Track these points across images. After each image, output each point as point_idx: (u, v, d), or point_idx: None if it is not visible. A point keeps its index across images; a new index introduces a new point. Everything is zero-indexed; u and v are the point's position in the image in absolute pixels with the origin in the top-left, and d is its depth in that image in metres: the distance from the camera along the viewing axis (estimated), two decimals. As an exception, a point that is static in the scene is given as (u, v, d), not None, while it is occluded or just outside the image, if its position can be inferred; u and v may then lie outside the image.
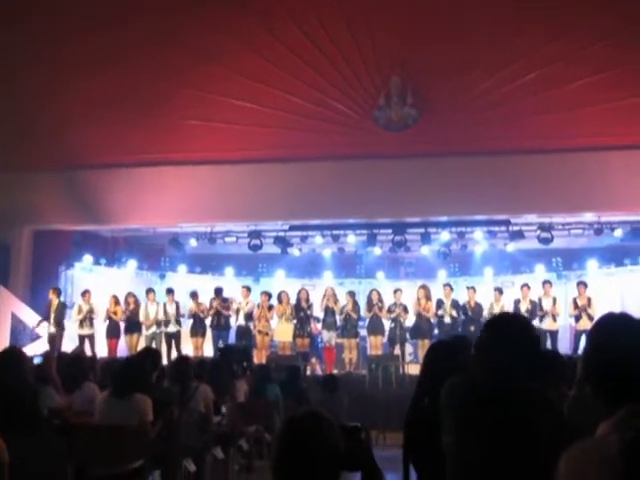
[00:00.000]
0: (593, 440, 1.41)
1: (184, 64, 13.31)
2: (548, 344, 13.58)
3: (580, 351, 12.12)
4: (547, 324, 13.87)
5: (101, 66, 13.23)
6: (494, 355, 2.53)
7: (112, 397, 5.68)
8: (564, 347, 13.49)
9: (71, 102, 13.58)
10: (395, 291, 14.66)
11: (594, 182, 13.08)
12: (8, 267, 14.58)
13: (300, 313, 14.48)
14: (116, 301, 14.47)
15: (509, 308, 14.03)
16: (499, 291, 14.43)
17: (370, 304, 14.45)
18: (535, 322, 13.95)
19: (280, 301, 14.73)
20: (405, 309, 14.27)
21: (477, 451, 2.37)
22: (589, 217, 14.85)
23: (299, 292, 14.85)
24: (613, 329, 1.92)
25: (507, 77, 12.89)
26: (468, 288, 14.62)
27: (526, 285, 14.36)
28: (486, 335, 2.65)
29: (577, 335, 13.43)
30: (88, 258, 15.58)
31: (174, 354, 14.19)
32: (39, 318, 13.76)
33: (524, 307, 13.96)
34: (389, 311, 14.32)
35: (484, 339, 2.64)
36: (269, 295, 14.96)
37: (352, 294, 14.78)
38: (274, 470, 2.18)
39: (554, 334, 13.85)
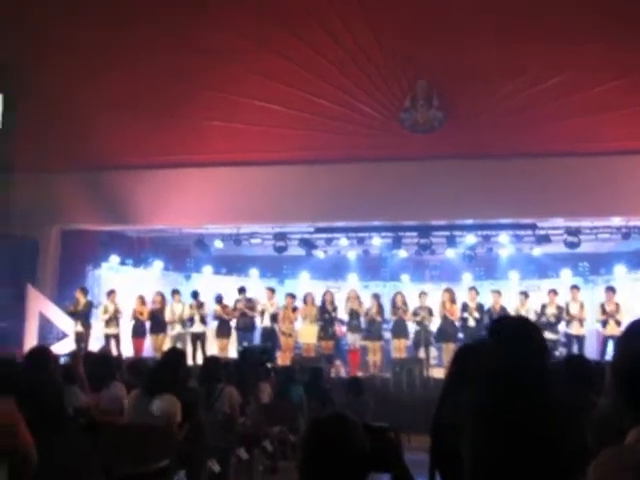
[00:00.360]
0: (622, 447, 1.38)
1: (209, 66, 13.38)
2: (575, 349, 13.48)
3: (607, 357, 12.02)
4: (574, 329, 13.75)
5: (126, 67, 13.36)
6: (507, 360, 2.48)
7: (143, 396, 5.71)
8: (591, 353, 13.35)
9: (97, 103, 13.71)
10: (420, 294, 14.62)
11: (621, 186, 12.94)
12: (36, 265, 14.73)
13: (325, 315, 14.49)
14: (142, 301, 14.58)
15: (535, 312, 13.94)
16: (525, 295, 14.35)
17: (394, 307, 14.43)
18: (562, 327, 13.88)
19: (305, 303, 14.75)
20: (430, 312, 14.22)
21: (494, 459, 2.34)
22: (617, 221, 14.70)
23: (324, 294, 14.87)
24: None
25: (531, 81, 12.82)
26: (493, 292, 14.52)
27: (553, 290, 14.22)
28: (494, 341, 2.60)
29: (604, 341, 13.29)
30: (115, 258, 15.70)
31: (199, 354, 14.28)
32: (67, 317, 13.90)
33: (550, 311, 13.84)
34: (414, 314, 14.29)
35: (492, 346, 2.59)
36: (293, 297, 14.98)
37: (377, 297, 14.76)
38: (300, 471, 2.20)
39: (581, 339, 13.73)
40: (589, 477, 1.35)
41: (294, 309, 14.74)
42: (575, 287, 14.33)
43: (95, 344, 13.74)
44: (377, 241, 16.00)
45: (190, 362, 11.06)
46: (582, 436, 2.34)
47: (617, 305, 13.48)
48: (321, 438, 2.20)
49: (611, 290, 13.80)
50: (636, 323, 2.32)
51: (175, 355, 6.58)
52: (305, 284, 16.73)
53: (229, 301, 15.05)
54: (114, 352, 13.06)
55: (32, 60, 13.46)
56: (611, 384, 2.34)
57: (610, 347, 12.71)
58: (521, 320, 3.08)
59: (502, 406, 2.40)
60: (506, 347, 2.51)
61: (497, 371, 2.49)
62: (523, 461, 2.28)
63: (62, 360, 7.56)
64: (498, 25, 12.43)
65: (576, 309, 13.81)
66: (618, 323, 12.89)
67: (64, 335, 13.99)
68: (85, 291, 14.17)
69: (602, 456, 1.34)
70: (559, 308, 13.86)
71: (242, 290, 15.05)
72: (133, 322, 14.47)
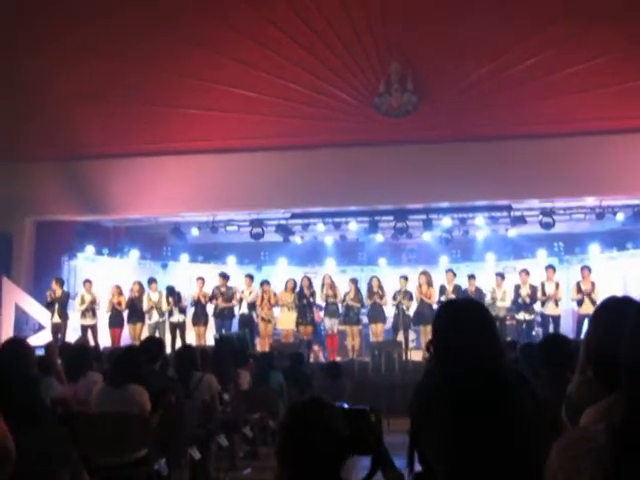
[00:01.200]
0: (580, 430, 1.37)
1: (182, 52, 13.26)
2: (551, 329, 13.61)
3: (583, 335, 12.16)
4: (550, 309, 13.88)
5: (100, 55, 13.19)
6: (456, 341, 2.47)
7: (107, 387, 5.69)
8: (567, 332, 13.48)
9: (70, 92, 13.56)
10: (400, 278, 14.65)
11: (595, 166, 13.05)
12: (11, 258, 14.61)
13: (303, 301, 14.50)
14: (119, 291, 14.50)
15: (510, 293, 14.06)
16: (501, 276, 14.47)
17: (370, 291, 14.46)
18: (537, 307, 14.00)
19: (286, 289, 14.74)
20: (410, 297, 14.26)
21: (448, 438, 2.34)
22: (591, 201, 14.84)
23: (301, 280, 14.87)
24: (615, 312, 1.92)
25: (506, 63, 12.83)
26: (468, 277, 14.58)
27: (524, 270, 14.34)
28: (442, 321, 2.60)
29: (580, 320, 13.41)
30: (90, 248, 15.60)
31: (178, 343, 14.24)
32: (43, 308, 13.81)
33: (524, 292, 13.96)
34: (393, 298, 14.33)
35: (442, 325, 2.58)
36: (269, 283, 14.98)
37: (354, 281, 14.78)
38: (278, 456, 2.20)
39: (557, 319, 13.86)
40: (551, 463, 1.34)
41: (274, 295, 14.72)
42: (550, 267, 14.44)
43: (72, 335, 13.66)
44: (354, 226, 16.03)
45: (169, 351, 11.02)
46: (536, 407, 2.35)
47: (592, 284, 13.62)
48: (298, 422, 2.21)
49: (587, 269, 13.94)
50: (609, 300, 2.35)
51: (148, 343, 6.57)
52: (283, 270, 16.74)
53: (207, 288, 15.00)
54: (92, 343, 12.99)
55: (7, 49, 13.26)
56: (583, 360, 2.36)
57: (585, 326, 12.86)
58: (466, 301, 3.07)
59: (446, 388, 2.39)
60: (448, 327, 2.51)
61: (442, 351, 2.49)
62: (480, 436, 2.29)
63: (38, 352, 7.50)
64: (472, 6, 12.41)
65: (552, 289, 13.93)
66: (593, 302, 13.01)
67: (40, 327, 13.90)
68: (61, 282, 14.07)
69: (561, 441, 1.34)
70: (532, 288, 13.98)
71: (224, 276, 15.01)
72: (110, 312, 14.38)
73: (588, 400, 2.07)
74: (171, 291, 14.64)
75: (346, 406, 2.35)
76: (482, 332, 2.46)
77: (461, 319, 2.50)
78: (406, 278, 14.60)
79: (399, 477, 2.31)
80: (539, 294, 13.89)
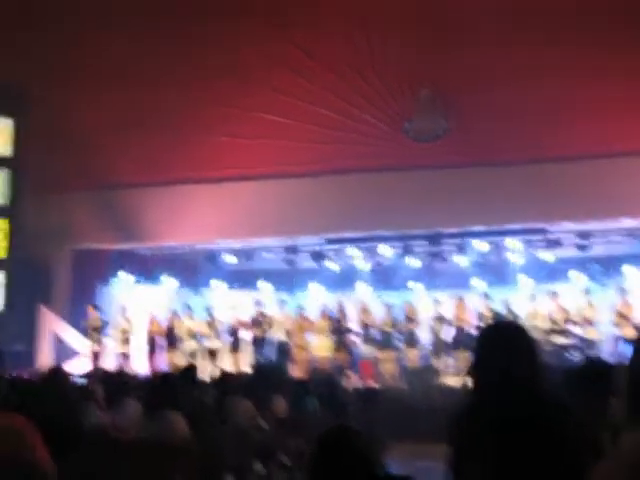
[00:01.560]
0: (621, 451, 1.34)
1: (214, 80, 13.45)
2: (591, 353, 13.40)
3: (622, 359, 11.95)
4: (589, 333, 13.68)
5: (133, 84, 13.43)
6: (498, 362, 2.46)
7: (144, 414, 5.70)
8: (607, 356, 13.27)
9: (105, 123, 13.80)
10: (434, 302, 14.56)
11: (630, 187, 12.90)
12: (49, 287, 14.79)
13: (338, 327, 14.46)
14: (156, 319, 14.60)
15: (545, 316, 13.88)
16: (534, 299, 14.29)
17: (405, 317, 14.39)
18: (577, 331, 13.79)
19: (321, 316, 14.72)
20: (442, 320, 14.15)
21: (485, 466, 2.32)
22: (627, 223, 14.65)
23: (336, 306, 14.85)
24: None
25: (536, 86, 12.80)
26: (503, 300, 14.46)
27: (554, 293, 14.19)
28: (487, 341, 2.59)
29: (620, 343, 13.21)
30: (126, 276, 15.74)
31: (215, 370, 14.26)
32: (80, 336, 13.95)
33: (559, 316, 13.80)
34: (429, 323, 14.26)
35: (486, 346, 2.57)
36: (303, 309, 14.98)
37: (388, 307, 14.72)
38: None
39: (596, 343, 13.66)
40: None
41: (307, 322, 14.71)
42: (587, 290, 14.26)
43: (108, 362, 13.76)
44: (387, 251, 15.97)
45: (207, 377, 11.04)
46: (577, 433, 2.32)
47: (631, 307, 13.41)
48: (326, 449, 2.25)
49: (624, 292, 13.74)
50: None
51: (185, 371, 6.59)
52: (317, 296, 16.71)
53: (243, 316, 15.04)
54: (128, 370, 13.07)
55: (38, 83, 13.54)
56: (626, 387, 2.32)
57: (625, 349, 12.64)
58: (507, 325, 3.03)
59: (482, 413, 2.38)
60: (487, 353, 2.49)
61: (478, 378, 2.47)
62: (514, 465, 2.27)
63: (77, 379, 7.58)
64: (499, 30, 12.44)
65: (590, 313, 13.74)
66: (633, 325, 12.82)
67: (77, 354, 14.03)
68: (98, 309, 14.22)
69: (603, 461, 1.32)
70: (565, 311, 13.81)
71: (258, 303, 15.09)
72: (148, 339, 14.47)
73: (627, 424, 2.03)
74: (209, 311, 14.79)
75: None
76: (524, 354, 2.45)
77: (505, 340, 2.48)
78: (439, 302, 14.50)
79: None
80: (576, 317, 13.71)
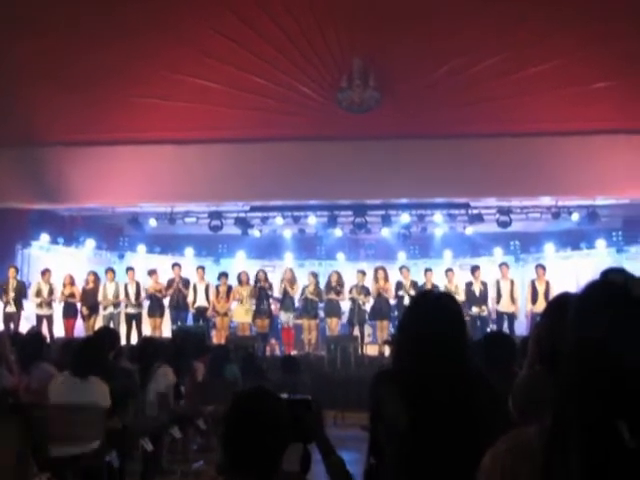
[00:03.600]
0: (517, 432, 1.34)
1: (142, 40, 13.09)
2: (505, 326, 13.80)
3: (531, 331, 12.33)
4: (504, 306, 14.07)
5: (59, 41, 12.97)
6: (422, 334, 2.51)
7: (68, 378, 5.61)
8: (521, 329, 13.69)
9: (25, 76, 13.28)
10: (358, 272, 14.72)
11: (552, 167, 13.23)
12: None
13: (260, 294, 14.47)
14: (72, 281, 14.30)
15: (462, 289, 14.22)
16: (451, 272, 14.64)
17: (329, 286, 14.51)
18: (490, 304, 14.18)
19: (240, 282, 14.71)
20: (367, 291, 14.34)
21: (408, 424, 2.37)
22: (547, 201, 15.05)
23: (257, 273, 14.84)
24: (566, 308, 1.94)
25: (467, 62, 12.91)
26: (425, 270, 14.76)
27: (477, 267, 14.57)
28: (410, 314, 2.63)
29: (534, 317, 13.61)
30: (45, 237, 15.38)
31: (134, 335, 14.13)
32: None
33: (477, 288, 14.16)
34: (349, 292, 14.39)
35: (409, 319, 2.62)
36: (226, 276, 14.94)
37: (314, 275, 14.81)
38: (222, 443, 2.30)
39: (511, 316, 14.06)
40: (485, 465, 1.32)
41: (229, 288, 14.68)
42: (504, 265, 14.68)
43: (26, 325, 13.46)
44: (313, 220, 16.03)
45: (124, 342, 10.94)
46: (495, 403, 2.39)
47: (547, 283, 13.84)
48: (240, 411, 2.30)
49: (542, 268, 14.18)
50: (558, 298, 2.40)
51: (104, 334, 6.51)
52: (241, 263, 16.70)
53: (163, 279, 14.90)
54: (46, 333, 12.82)
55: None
56: (533, 355, 2.41)
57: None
58: (441, 294, 3.13)
59: (414, 372, 2.43)
60: (422, 317, 2.54)
61: (412, 338, 2.52)
62: (436, 425, 2.32)
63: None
64: (436, 6, 12.48)
65: (506, 287, 14.13)
66: (548, 300, 13.21)
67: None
68: (16, 270, 13.85)
69: (498, 444, 1.33)
70: (484, 285, 14.20)
71: (177, 265, 14.95)
72: (64, 302, 14.19)
73: (535, 394, 2.10)
74: (130, 270, 14.60)
75: (288, 396, 2.42)
76: (453, 324, 2.51)
77: (437, 309, 2.54)
78: (363, 273, 14.68)
79: (339, 462, 2.38)
80: (492, 291, 14.10)
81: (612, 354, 1.10)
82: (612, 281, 1.19)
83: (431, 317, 2.50)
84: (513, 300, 14.10)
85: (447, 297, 2.71)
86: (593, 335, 1.13)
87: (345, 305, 14.65)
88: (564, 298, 2.30)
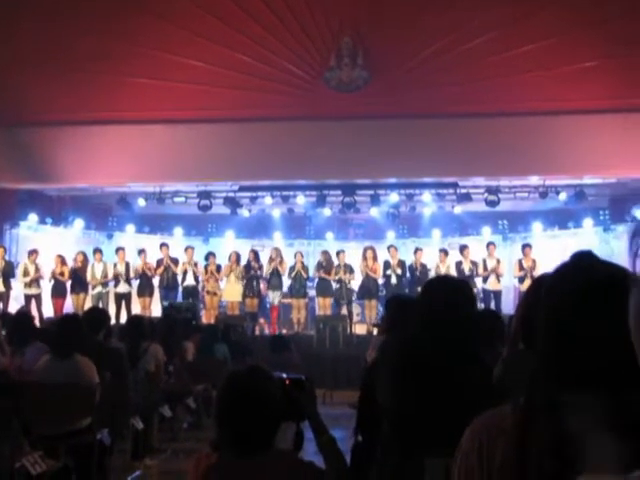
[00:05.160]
0: (494, 411, 1.38)
1: (131, 19, 13.04)
2: (492, 304, 13.90)
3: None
4: (491, 284, 14.19)
5: (49, 19, 12.88)
6: (435, 316, 2.57)
7: (52, 357, 5.61)
8: (508, 308, 13.79)
9: (15, 56, 13.21)
10: (338, 253, 14.75)
11: (540, 146, 13.26)
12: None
13: (249, 273, 14.52)
14: (62, 260, 14.29)
15: (453, 268, 14.30)
16: (444, 252, 14.67)
17: (319, 265, 14.56)
18: (478, 282, 14.26)
19: (230, 261, 14.74)
20: (350, 270, 14.39)
21: (409, 408, 2.43)
22: (535, 181, 15.12)
23: (248, 253, 14.89)
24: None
25: (456, 41, 12.93)
26: (415, 250, 14.81)
27: (466, 247, 14.64)
28: (425, 297, 2.70)
29: (521, 296, 13.70)
30: (33, 217, 15.33)
31: (123, 314, 14.14)
32: None
33: (466, 267, 14.25)
34: (335, 273, 14.44)
35: (424, 301, 2.69)
36: (214, 255, 14.98)
37: (301, 254, 14.86)
38: (216, 420, 2.33)
39: (497, 294, 14.17)
40: (463, 444, 1.36)
41: (218, 268, 14.72)
42: (491, 244, 14.77)
43: (15, 305, 13.45)
44: (301, 200, 16.05)
45: (114, 322, 10.96)
46: (489, 385, 2.44)
47: (534, 261, 13.93)
48: (234, 389, 2.33)
49: (528, 247, 14.27)
50: (542, 276, 2.44)
51: (92, 313, 6.52)
52: (230, 243, 16.72)
53: (152, 259, 14.91)
54: (35, 313, 12.81)
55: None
56: (516, 332, 2.46)
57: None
58: (456, 279, 3.23)
59: (422, 363, 2.49)
60: (434, 300, 2.61)
61: (422, 320, 2.59)
62: (430, 402, 2.38)
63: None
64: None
65: (493, 265, 14.24)
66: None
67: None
68: (4, 250, 13.83)
69: (475, 423, 1.37)
70: (473, 263, 14.29)
71: (164, 245, 14.96)
72: (53, 282, 14.18)
73: (518, 372, 2.15)
74: (120, 250, 14.60)
75: (283, 375, 2.46)
76: (467, 300, 2.63)
77: (456, 294, 2.63)
78: (343, 252, 14.70)
79: (330, 441, 2.43)
80: (480, 269, 14.20)
81: (576, 336, 1.15)
82: (578, 264, 1.24)
83: (452, 301, 2.59)
84: (499, 278, 14.22)
85: (460, 281, 2.79)
86: (559, 317, 1.18)
87: (333, 284, 14.71)
88: (543, 279, 2.35)
